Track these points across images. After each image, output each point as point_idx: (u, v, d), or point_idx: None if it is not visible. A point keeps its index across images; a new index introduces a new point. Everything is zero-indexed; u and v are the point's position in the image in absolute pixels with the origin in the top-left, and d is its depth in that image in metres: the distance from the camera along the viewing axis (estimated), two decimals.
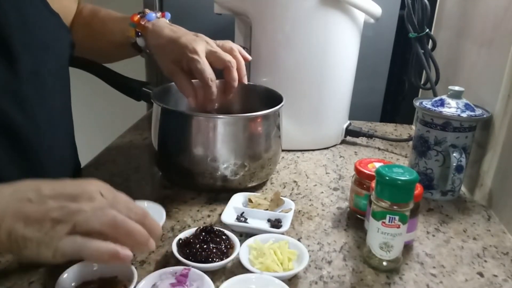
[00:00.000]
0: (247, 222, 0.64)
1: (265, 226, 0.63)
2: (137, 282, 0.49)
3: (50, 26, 0.65)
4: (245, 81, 0.73)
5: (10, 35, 0.56)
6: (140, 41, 0.75)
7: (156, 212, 0.62)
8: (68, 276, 0.49)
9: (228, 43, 0.74)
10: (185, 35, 0.71)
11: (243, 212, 0.65)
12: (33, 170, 0.63)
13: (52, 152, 0.66)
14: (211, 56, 0.69)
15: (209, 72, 0.67)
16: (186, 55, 0.68)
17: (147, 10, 0.76)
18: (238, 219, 0.64)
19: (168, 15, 0.79)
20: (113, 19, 0.81)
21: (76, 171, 0.78)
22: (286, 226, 0.62)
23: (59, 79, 0.68)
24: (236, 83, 0.71)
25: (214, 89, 0.68)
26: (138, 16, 0.75)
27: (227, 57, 0.70)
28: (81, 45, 0.75)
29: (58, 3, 0.68)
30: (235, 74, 0.70)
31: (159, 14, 0.77)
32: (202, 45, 0.69)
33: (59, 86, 0.68)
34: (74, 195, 0.44)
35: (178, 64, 0.71)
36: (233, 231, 0.60)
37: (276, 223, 0.63)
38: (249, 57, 0.76)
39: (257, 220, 0.64)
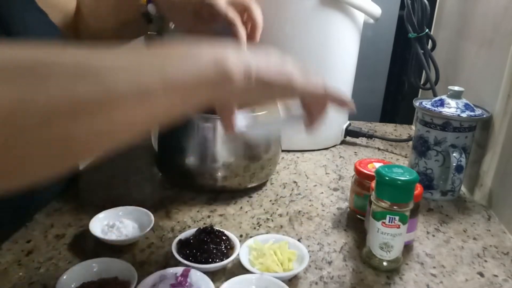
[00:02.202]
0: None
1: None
2: (137, 283, 0.49)
3: (38, 24, 0.64)
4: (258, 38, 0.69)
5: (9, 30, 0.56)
6: (151, 8, 0.73)
7: (143, 216, 0.62)
8: (68, 277, 0.49)
9: None
10: None
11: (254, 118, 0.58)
12: None
13: None
14: (228, 1, 0.66)
15: (231, 11, 0.64)
16: (203, 1, 0.65)
17: None
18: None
19: None
20: None
21: (74, 174, 0.78)
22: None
23: None
24: (261, 22, 0.68)
25: (242, 30, 0.64)
26: None
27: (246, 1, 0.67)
28: (87, 30, 0.73)
29: None
30: (257, 13, 0.67)
31: None
32: None
33: None
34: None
35: (199, 16, 0.67)
36: (231, 234, 0.60)
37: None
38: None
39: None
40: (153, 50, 0.36)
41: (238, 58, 0.38)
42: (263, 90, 0.41)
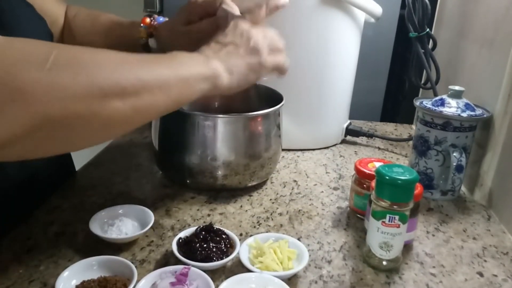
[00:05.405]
0: None
1: None
2: (137, 281, 0.49)
3: (28, 17, 0.64)
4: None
5: None
6: (152, 42, 0.72)
7: (143, 214, 0.62)
8: (68, 274, 0.49)
9: None
10: None
11: None
12: (26, 169, 0.63)
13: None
14: None
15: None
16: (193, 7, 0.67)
17: (155, 15, 0.75)
18: None
19: None
20: (116, 25, 0.76)
21: (70, 173, 0.79)
22: None
23: None
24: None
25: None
26: (149, 19, 0.72)
27: None
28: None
29: (38, 7, 0.66)
30: None
31: (166, 18, 0.76)
32: None
33: None
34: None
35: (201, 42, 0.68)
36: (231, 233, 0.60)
37: None
38: None
39: None
40: (168, 58, 0.51)
41: (219, 60, 0.54)
42: (241, 85, 0.57)
